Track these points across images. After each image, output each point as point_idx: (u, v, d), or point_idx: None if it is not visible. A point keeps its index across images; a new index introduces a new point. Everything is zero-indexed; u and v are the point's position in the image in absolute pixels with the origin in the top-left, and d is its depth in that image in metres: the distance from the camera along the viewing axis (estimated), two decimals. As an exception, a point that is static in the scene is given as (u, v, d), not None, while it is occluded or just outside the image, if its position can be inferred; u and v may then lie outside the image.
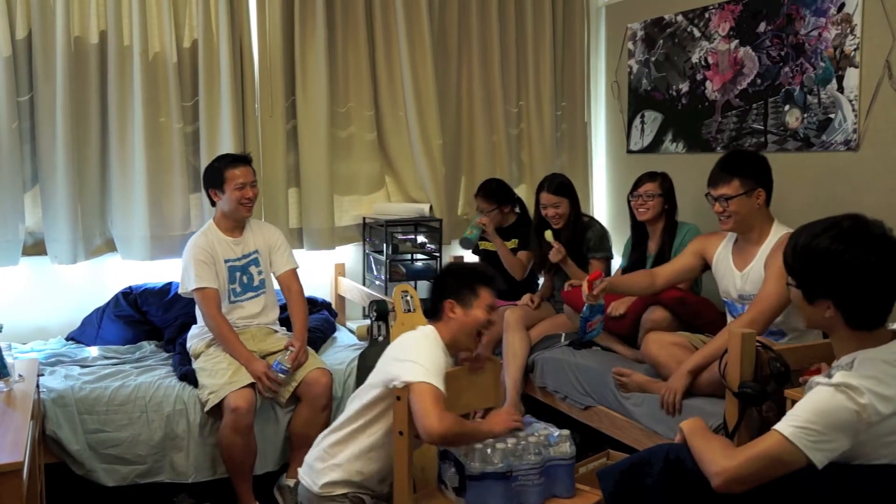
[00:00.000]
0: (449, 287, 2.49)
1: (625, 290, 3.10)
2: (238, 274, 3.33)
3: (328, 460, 2.43)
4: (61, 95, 3.58)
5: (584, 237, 3.75)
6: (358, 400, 2.45)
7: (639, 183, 3.54)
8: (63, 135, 3.60)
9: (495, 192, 4.04)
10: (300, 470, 2.53)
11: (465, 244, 3.97)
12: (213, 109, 3.88)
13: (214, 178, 3.29)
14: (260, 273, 3.38)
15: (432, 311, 2.52)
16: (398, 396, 2.26)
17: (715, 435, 1.90)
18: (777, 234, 2.80)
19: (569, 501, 2.29)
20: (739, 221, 2.81)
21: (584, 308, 2.92)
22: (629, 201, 3.58)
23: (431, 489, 2.43)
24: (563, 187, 3.75)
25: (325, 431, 2.53)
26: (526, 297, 3.84)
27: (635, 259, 3.58)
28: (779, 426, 1.72)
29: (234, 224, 3.35)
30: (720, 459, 1.73)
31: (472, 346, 2.48)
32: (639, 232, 3.61)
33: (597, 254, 3.76)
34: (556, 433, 2.34)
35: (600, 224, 3.89)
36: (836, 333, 1.83)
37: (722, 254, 2.94)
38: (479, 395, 2.58)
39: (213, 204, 3.37)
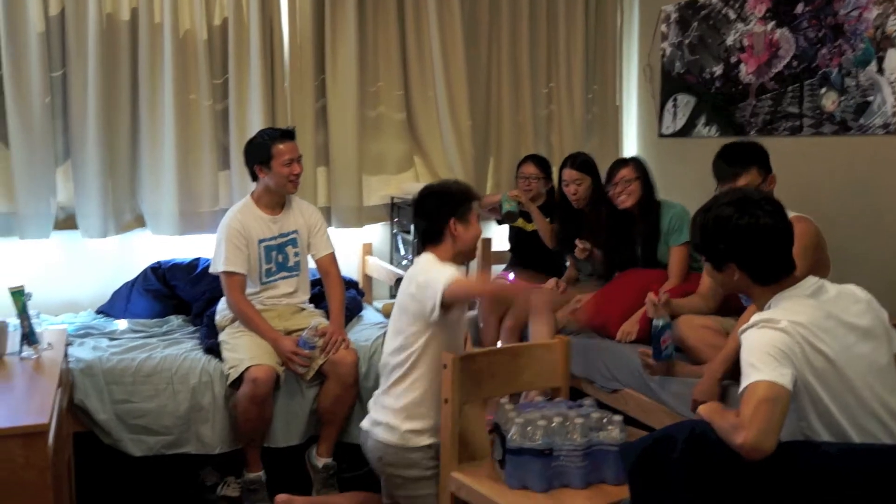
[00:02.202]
0: (447, 208, 2.51)
1: (682, 312, 2.95)
2: (274, 253, 3.30)
3: (402, 414, 2.46)
4: (93, 72, 3.61)
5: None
6: (395, 356, 2.50)
7: (613, 173, 3.42)
8: (94, 111, 3.63)
9: (544, 162, 4.00)
10: (363, 425, 2.57)
11: (510, 218, 3.88)
12: (243, 87, 3.88)
13: (260, 153, 3.23)
14: (297, 255, 3.35)
15: (428, 237, 2.54)
16: (445, 364, 2.31)
17: (732, 410, 1.88)
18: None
19: (618, 489, 2.20)
20: None
21: (654, 323, 2.78)
22: (607, 193, 3.44)
23: (485, 460, 2.42)
24: (587, 165, 3.70)
25: (380, 392, 2.57)
26: (552, 282, 3.80)
27: (622, 252, 3.48)
28: (742, 382, 1.79)
29: (276, 200, 3.32)
30: (739, 431, 1.74)
31: (472, 257, 2.63)
32: (618, 222, 3.47)
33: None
34: (606, 418, 2.29)
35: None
36: (753, 293, 1.98)
37: None
38: (543, 373, 2.52)
39: (255, 179, 3.32)
